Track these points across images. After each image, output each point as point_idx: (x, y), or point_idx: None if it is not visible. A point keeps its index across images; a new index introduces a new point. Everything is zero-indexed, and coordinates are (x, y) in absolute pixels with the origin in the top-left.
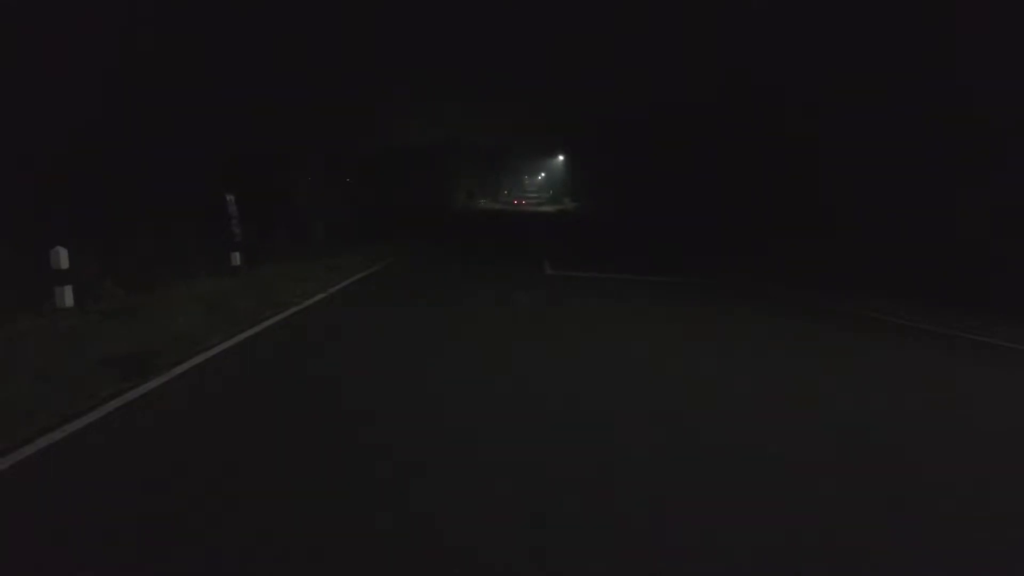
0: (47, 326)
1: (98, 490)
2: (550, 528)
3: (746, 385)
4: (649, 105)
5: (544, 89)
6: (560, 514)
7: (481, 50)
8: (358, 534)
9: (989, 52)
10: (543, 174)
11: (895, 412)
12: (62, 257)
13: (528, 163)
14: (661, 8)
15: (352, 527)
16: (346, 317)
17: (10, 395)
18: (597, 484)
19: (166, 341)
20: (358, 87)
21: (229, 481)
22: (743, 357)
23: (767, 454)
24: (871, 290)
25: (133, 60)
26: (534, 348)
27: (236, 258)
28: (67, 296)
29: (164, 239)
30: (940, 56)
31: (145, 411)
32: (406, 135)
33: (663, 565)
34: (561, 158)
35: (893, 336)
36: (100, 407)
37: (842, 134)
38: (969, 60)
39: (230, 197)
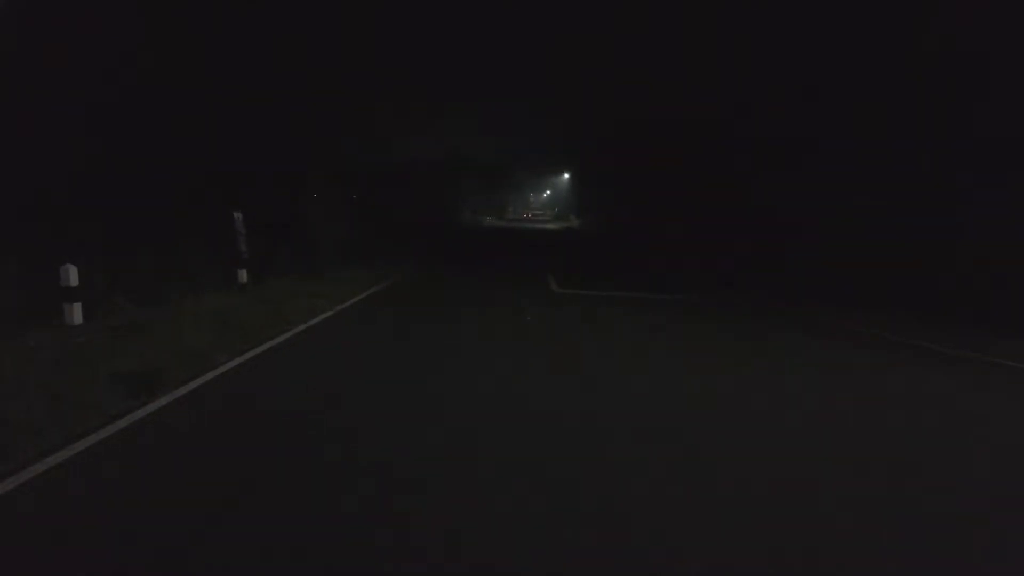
0: (55, 343)
1: (104, 511)
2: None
3: (754, 401)
4: (649, 122)
5: (548, 106)
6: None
7: (486, 65)
8: (350, 544)
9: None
10: (548, 192)
11: (900, 428)
12: (71, 274)
13: (534, 180)
14: (661, 27)
15: (345, 539)
16: (354, 336)
17: (19, 412)
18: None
19: (174, 358)
20: (362, 104)
21: (237, 502)
22: (751, 374)
23: (778, 466)
24: (870, 305)
25: (138, 74)
26: (541, 366)
27: (243, 275)
28: (76, 313)
29: (171, 255)
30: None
31: (153, 430)
32: (410, 151)
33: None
34: (567, 176)
35: (889, 352)
36: (108, 425)
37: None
38: (969, 59)
39: (237, 215)
